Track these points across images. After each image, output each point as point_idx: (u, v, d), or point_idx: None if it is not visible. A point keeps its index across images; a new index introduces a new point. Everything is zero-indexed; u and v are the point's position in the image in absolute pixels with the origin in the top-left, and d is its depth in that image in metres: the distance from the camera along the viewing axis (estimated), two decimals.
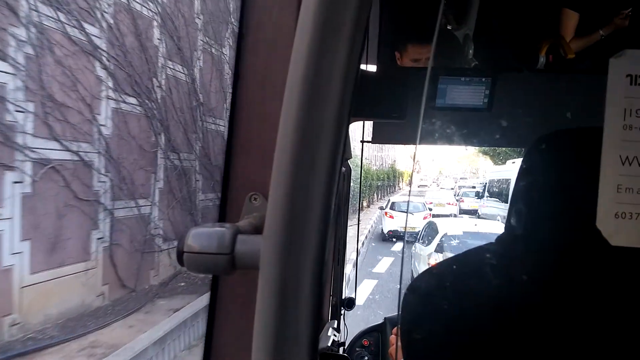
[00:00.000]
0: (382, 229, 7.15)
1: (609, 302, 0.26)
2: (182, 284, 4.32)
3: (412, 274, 4.13)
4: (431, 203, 9.84)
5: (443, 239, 3.81)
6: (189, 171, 5.18)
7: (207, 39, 5.42)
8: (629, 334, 0.26)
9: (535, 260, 0.29)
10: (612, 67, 0.26)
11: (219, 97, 5.83)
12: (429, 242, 4.07)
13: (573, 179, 0.28)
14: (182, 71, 4.91)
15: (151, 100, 4.28)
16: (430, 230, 4.35)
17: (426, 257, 3.85)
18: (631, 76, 0.27)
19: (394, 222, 6.70)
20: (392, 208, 7.13)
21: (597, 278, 0.26)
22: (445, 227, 4.03)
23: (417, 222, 6.35)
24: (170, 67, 4.66)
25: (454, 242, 3.69)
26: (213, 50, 5.61)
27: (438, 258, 3.62)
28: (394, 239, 6.60)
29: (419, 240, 4.42)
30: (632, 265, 0.25)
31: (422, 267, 3.89)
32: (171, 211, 4.68)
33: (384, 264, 5.84)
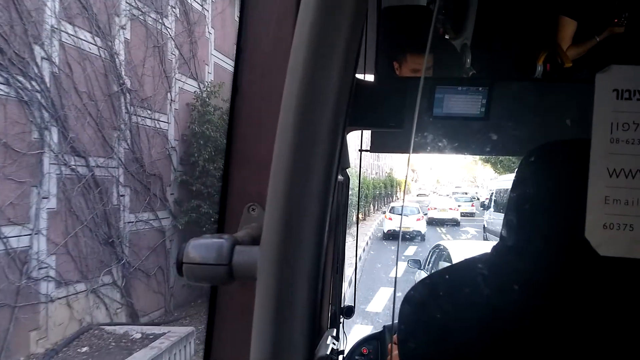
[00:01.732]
0: (383, 230, 11.69)
1: (599, 310, 0.36)
2: (85, 349, 3.88)
3: None
4: (435, 209, 14.63)
5: None
6: (106, 183, 4.63)
7: (137, 3, 5.03)
8: (620, 342, 0.36)
9: (527, 271, 0.39)
10: (598, 81, 0.37)
11: (159, 83, 5.45)
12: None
13: (562, 190, 0.38)
14: (92, 41, 4.42)
15: (29, 78, 3.82)
16: (440, 258, 4.48)
17: None
18: (617, 90, 0.38)
19: (392, 223, 10.97)
20: (391, 212, 11.71)
21: (587, 287, 0.36)
22: (459, 256, 4.03)
23: (410, 223, 10.44)
24: (68, 33, 4.19)
25: None
26: (148, 19, 5.24)
27: None
28: (392, 244, 10.41)
29: (424, 267, 4.66)
30: (621, 275, 0.35)
31: None
32: (72, 241, 4.17)
33: (381, 299, 5.84)
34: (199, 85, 6.26)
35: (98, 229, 4.45)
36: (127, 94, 4.90)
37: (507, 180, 11.06)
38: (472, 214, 16.95)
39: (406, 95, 0.62)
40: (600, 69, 0.35)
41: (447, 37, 0.74)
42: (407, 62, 0.89)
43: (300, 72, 0.25)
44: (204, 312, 5.37)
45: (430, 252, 5.18)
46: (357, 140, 0.82)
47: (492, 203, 11.58)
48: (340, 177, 0.67)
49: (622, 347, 0.36)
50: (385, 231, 11.18)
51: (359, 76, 0.64)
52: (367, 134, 0.77)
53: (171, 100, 5.72)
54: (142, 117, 5.16)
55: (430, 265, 4.70)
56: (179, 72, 5.84)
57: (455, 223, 14.31)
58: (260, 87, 0.43)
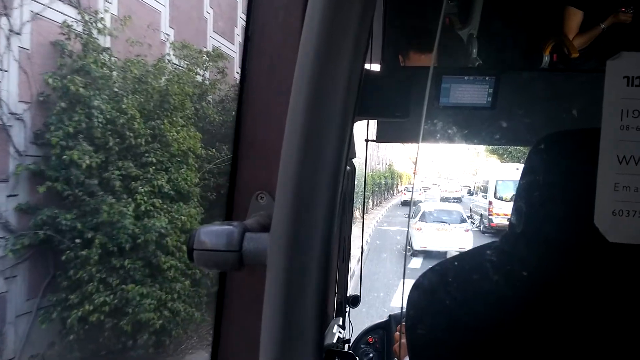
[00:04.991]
0: (400, 200, 21.12)
1: (609, 298, 0.36)
2: None
3: (409, 237, 8.77)
4: (446, 190, 23.77)
5: (423, 212, 9.22)
6: None
7: None
8: (630, 331, 0.36)
9: (536, 258, 0.39)
10: (609, 68, 0.37)
11: None
12: (416, 216, 9.28)
13: (572, 178, 0.38)
14: None
15: None
16: (417, 208, 9.88)
17: (414, 224, 8.73)
18: (628, 77, 0.37)
19: (406, 197, 20.61)
20: (405, 190, 23.15)
21: (596, 275, 0.36)
22: (425, 207, 9.75)
23: (416, 197, 16.71)
24: None
25: (428, 215, 9.07)
26: None
27: (420, 225, 8.61)
28: (407, 206, 18.26)
29: (411, 216, 9.27)
30: (630, 262, 0.35)
31: (413, 232, 8.59)
32: None
33: None
34: (82, 15, 3.47)
35: None
36: None
37: (483, 175, 14.67)
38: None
39: (412, 84, 0.62)
40: (606, 59, 0.36)
41: (453, 27, 0.73)
42: (411, 60, 0.90)
43: (310, 61, 0.25)
44: None
45: (414, 207, 9.73)
46: (363, 130, 0.82)
47: (475, 190, 15.56)
48: (347, 167, 0.68)
49: (633, 335, 0.36)
50: (402, 201, 20.38)
51: (366, 66, 0.65)
52: (373, 123, 0.78)
53: (10, 31, 3.05)
54: None
55: (414, 213, 9.23)
56: None
57: (458, 200, 20.96)
58: (269, 76, 0.43)
